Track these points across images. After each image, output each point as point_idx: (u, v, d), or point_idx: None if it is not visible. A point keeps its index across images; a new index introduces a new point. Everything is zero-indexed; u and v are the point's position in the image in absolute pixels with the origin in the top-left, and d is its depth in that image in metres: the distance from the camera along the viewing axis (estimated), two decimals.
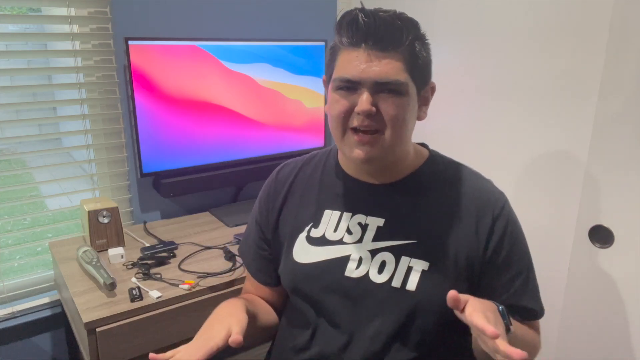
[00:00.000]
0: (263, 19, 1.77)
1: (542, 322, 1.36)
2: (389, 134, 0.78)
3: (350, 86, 0.77)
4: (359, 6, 0.78)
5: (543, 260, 1.34)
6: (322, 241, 0.88)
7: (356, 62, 0.76)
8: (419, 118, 0.84)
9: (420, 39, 0.79)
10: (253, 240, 1.00)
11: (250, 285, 1.03)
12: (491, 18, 1.41)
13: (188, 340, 1.20)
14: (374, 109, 0.76)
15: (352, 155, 0.80)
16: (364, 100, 0.75)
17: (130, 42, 1.40)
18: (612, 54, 1.15)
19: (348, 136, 0.80)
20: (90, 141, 1.56)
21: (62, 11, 1.46)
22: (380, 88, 0.76)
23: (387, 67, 0.75)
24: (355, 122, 0.78)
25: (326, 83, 0.87)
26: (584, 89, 1.22)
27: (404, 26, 0.76)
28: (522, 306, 0.85)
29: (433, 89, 0.86)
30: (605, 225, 1.22)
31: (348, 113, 0.78)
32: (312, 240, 0.89)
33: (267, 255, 0.98)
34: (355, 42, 0.76)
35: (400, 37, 0.75)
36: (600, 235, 1.23)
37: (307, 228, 0.90)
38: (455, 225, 0.84)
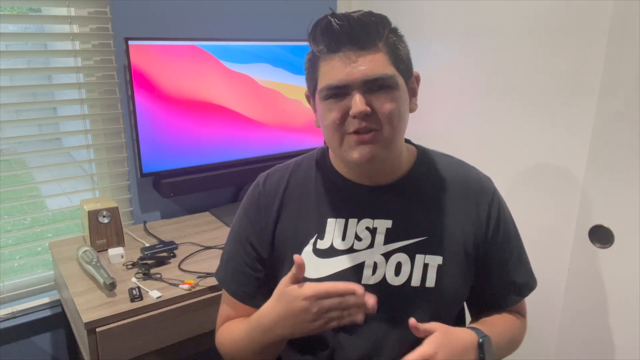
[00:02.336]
0: (263, 19, 1.77)
1: (543, 322, 1.36)
2: (387, 130, 0.76)
3: (339, 92, 0.75)
4: (349, 10, 0.77)
5: (543, 260, 1.35)
6: (332, 252, 0.84)
7: (339, 67, 0.74)
8: (411, 110, 0.83)
9: (394, 32, 0.79)
10: (244, 261, 0.90)
11: (235, 313, 0.92)
12: (491, 18, 1.41)
13: (188, 340, 1.21)
14: (369, 108, 0.74)
15: (354, 157, 0.77)
16: (357, 102, 0.73)
17: (130, 42, 1.40)
18: (612, 54, 1.15)
19: (347, 140, 0.78)
20: (90, 141, 1.56)
21: (62, 11, 1.46)
22: (370, 86, 0.75)
23: (372, 64, 0.74)
24: (351, 127, 0.76)
25: (310, 98, 0.85)
26: (584, 89, 1.22)
27: (378, 21, 0.75)
28: (518, 282, 0.90)
29: (418, 79, 0.85)
30: (605, 225, 1.22)
31: (343, 119, 0.76)
32: (320, 253, 0.85)
33: (262, 276, 0.90)
34: (334, 47, 0.74)
35: (377, 32, 0.75)
36: (600, 235, 1.23)
37: (312, 240, 0.86)
38: (458, 216, 0.86)
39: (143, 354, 1.14)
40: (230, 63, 1.60)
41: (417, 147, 0.92)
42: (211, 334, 1.22)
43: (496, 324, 0.87)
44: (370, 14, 0.76)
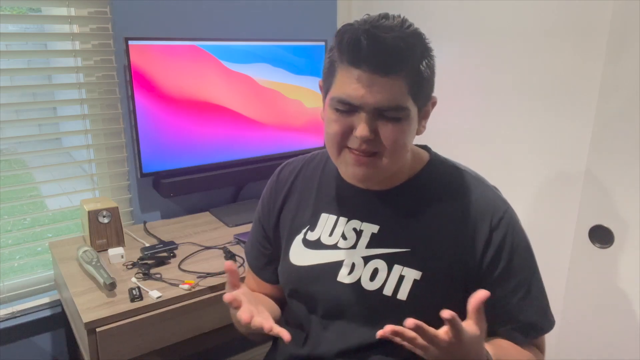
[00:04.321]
0: (263, 19, 1.77)
1: None
2: (387, 157, 0.76)
3: (349, 109, 0.75)
4: (359, 17, 0.75)
5: (543, 260, 1.34)
6: (317, 245, 0.88)
7: (356, 85, 0.72)
8: (418, 132, 0.81)
9: (426, 56, 0.75)
10: (256, 238, 1.01)
11: (254, 283, 1.03)
12: (491, 18, 1.41)
13: (188, 340, 1.21)
14: (372, 136, 0.74)
15: (348, 174, 0.81)
16: (362, 127, 0.73)
17: (130, 42, 1.40)
18: (612, 54, 1.15)
19: (344, 154, 0.79)
20: (90, 141, 1.56)
21: (62, 11, 1.46)
22: (380, 113, 0.74)
23: (389, 93, 0.72)
24: (352, 144, 0.76)
25: (322, 88, 0.85)
26: (584, 89, 1.22)
27: (408, 48, 0.72)
28: (524, 321, 0.81)
29: (434, 104, 0.83)
30: (605, 225, 1.22)
31: (346, 134, 0.76)
32: (308, 243, 0.89)
33: (269, 253, 0.99)
34: (357, 63, 0.72)
35: (403, 60, 0.72)
36: (600, 235, 1.23)
37: (304, 230, 0.91)
38: (451, 234, 0.81)
39: (143, 354, 1.14)
40: (230, 63, 1.60)
41: (431, 155, 0.90)
42: (211, 333, 1.22)
43: (509, 353, 0.80)
44: (403, 38, 0.71)
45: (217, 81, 1.59)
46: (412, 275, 0.81)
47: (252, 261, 1.02)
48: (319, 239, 0.89)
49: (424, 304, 0.80)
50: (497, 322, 0.82)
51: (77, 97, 1.51)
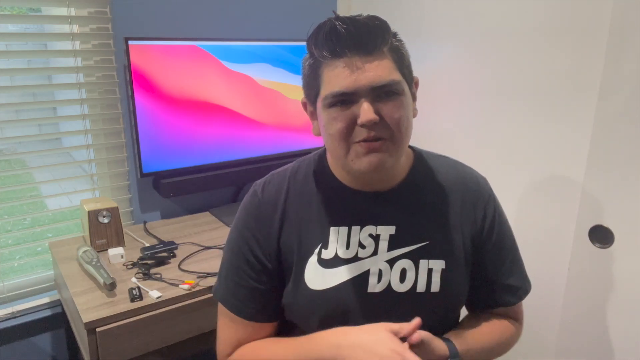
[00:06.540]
0: (263, 19, 1.77)
1: (543, 322, 1.36)
2: (397, 137, 0.75)
3: (345, 99, 0.73)
4: (347, 13, 0.76)
5: (543, 260, 1.35)
6: (336, 262, 0.82)
7: (345, 73, 0.72)
8: (413, 115, 0.81)
9: (396, 36, 0.77)
10: (248, 277, 0.84)
11: (245, 334, 0.85)
12: (491, 18, 1.41)
13: (188, 340, 1.21)
14: (377, 117, 0.72)
15: (362, 166, 0.75)
16: (366, 110, 0.71)
17: (130, 42, 1.40)
18: (612, 54, 1.15)
19: (353, 149, 0.75)
20: (90, 141, 1.56)
21: (62, 11, 1.46)
22: (377, 93, 0.72)
23: (379, 70, 0.71)
24: (359, 136, 0.73)
25: (307, 105, 0.83)
26: (584, 89, 1.22)
27: (382, 26, 0.73)
28: (514, 285, 0.89)
29: (417, 84, 0.83)
30: (605, 225, 1.22)
31: (350, 128, 0.74)
32: (325, 263, 0.82)
33: (266, 289, 0.84)
34: (339, 52, 0.72)
35: (382, 36, 0.73)
36: (600, 235, 1.23)
37: (317, 251, 0.83)
38: (457, 218, 0.85)
39: (143, 354, 1.14)
40: (230, 63, 1.60)
41: (413, 149, 0.91)
42: (211, 334, 1.22)
43: (481, 333, 0.86)
44: (374, 17, 0.73)
45: (217, 81, 1.59)
46: (439, 265, 0.82)
47: (244, 308, 0.84)
48: (336, 255, 0.82)
49: (453, 290, 0.83)
50: (492, 289, 0.89)
51: (77, 97, 1.51)
